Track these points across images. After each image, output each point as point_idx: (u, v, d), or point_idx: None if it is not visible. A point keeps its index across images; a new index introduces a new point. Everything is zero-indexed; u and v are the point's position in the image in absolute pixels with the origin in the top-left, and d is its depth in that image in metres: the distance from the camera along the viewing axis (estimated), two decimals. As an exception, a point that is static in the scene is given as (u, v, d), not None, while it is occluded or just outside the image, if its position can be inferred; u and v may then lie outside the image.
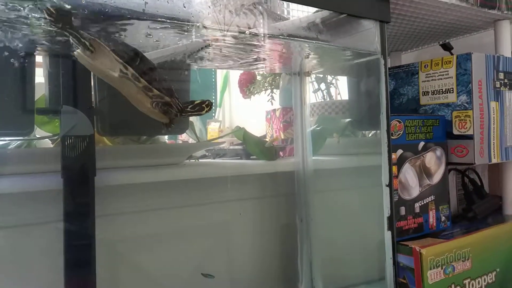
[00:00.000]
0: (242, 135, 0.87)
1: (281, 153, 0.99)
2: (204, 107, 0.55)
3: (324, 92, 1.19)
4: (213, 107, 1.45)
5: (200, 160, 0.91)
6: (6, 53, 0.58)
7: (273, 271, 0.84)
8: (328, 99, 1.18)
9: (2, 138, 0.69)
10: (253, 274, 0.82)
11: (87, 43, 0.47)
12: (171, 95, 0.52)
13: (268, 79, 1.19)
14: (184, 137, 1.02)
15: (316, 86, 1.18)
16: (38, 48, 0.61)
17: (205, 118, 1.25)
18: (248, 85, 1.21)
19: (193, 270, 0.75)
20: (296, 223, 0.86)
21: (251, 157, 0.93)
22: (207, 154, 1.02)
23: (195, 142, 0.93)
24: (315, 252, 0.84)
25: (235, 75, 1.36)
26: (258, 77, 1.21)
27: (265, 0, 0.58)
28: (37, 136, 0.73)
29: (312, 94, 1.15)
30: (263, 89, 1.21)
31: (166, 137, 0.91)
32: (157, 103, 0.51)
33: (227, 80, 1.52)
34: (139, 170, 0.71)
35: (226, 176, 0.80)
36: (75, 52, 0.49)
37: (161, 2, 0.45)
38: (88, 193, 0.59)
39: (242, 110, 1.46)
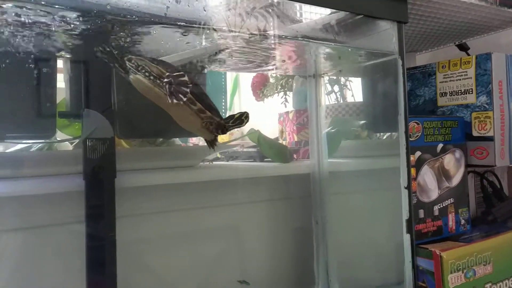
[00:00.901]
0: (257, 137, 0.88)
1: (294, 156, 0.99)
2: (243, 120, 0.57)
3: (338, 94, 1.19)
4: (224, 111, 1.46)
5: (213, 163, 0.92)
6: (30, 59, 0.59)
7: (289, 273, 0.84)
8: (341, 101, 1.17)
9: (26, 141, 0.70)
10: (268, 277, 0.82)
11: (148, 72, 0.52)
12: (218, 114, 0.56)
13: (281, 81, 1.19)
14: (194, 140, 1.03)
15: (330, 88, 1.18)
16: (60, 53, 0.62)
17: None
18: (261, 88, 1.21)
19: (209, 272, 0.75)
20: (312, 225, 0.85)
21: (265, 159, 0.93)
22: (220, 156, 1.03)
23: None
24: (331, 255, 0.84)
25: (245, 78, 1.37)
26: (271, 80, 1.21)
27: (278, 2, 0.58)
28: (58, 139, 0.74)
29: (326, 96, 1.15)
30: (276, 91, 1.21)
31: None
32: (207, 124, 0.55)
33: (237, 83, 1.52)
34: (156, 172, 0.72)
35: (242, 178, 0.80)
36: (131, 77, 0.53)
37: (182, 6, 0.45)
38: (109, 194, 0.60)
39: (252, 113, 1.46)
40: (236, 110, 1.51)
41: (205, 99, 0.55)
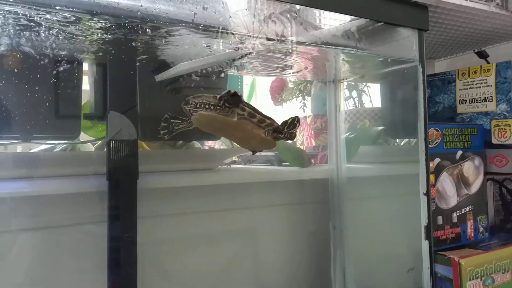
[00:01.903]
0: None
1: (312, 160, 0.99)
2: (296, 124, 0.60)
3: (356, 99, 1.19)
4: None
5: (231, 166, 0.93)
6: (56, 61, 0.61)
7: (306, 278, 0.84)
8: (359, 107, 1.17)
9: (51, 142, 0.72)
10: (285, 281, 0.82)
11: (207, 103, 0.58)
12: (273, 120, 0.59)
13: (299, 86, 1.20)
14: (210, 143, 1.03)
15: (348, 94, 1.18)
16: (85, 56, 0.64)
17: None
18: (280, 92, 1.22)
19: (225, 274, 0.75)
20: (330, 230, 0.86)
21: (283, 163, 0.94)
22: (237, 160, 1.03)
23: (226, 148, 0.95)
24: (348, 261, 0.84)
25: (262, 82, 1.38)
26: (290, 84, 1.21)
27: (299, 8, 0.59)
28: (81, 140, 0.75)
29: (344, 102, 1.15)
30: (294, 96, 1.22)
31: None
32: (268, 131, 0.59)
33: (253, 87, 1.53)
34: (177, 174, 0.73)
35: (261, 182, 0.81)
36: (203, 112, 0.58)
37: (209, 12, 0.46)
38: (132, 195, 0.61)
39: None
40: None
41: (257, 109, 0.58)
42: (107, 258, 0.58)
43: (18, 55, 0.57)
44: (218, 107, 0.57)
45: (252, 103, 1.52)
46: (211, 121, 0.59)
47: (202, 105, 0.58)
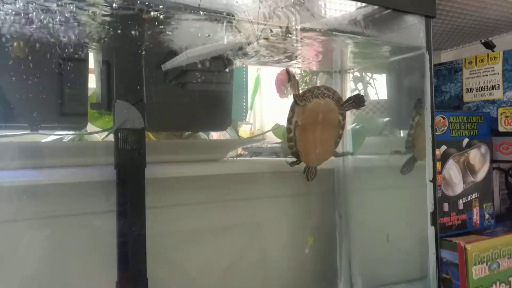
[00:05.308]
0: (282, 132, 0.88)
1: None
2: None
3: (361, 92, 1.19)
4: (244, 110, 1.47)
5: (237, 158, 0.93)
6: (62, 50, 0.61)
7: (312, 267, 0.85)
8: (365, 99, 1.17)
9: (58, 133, 0.72)
10: (292, 270, 0.82)
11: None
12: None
13: (305, 78, 1.20)
14: (215, 135, 1.03)
15: (354, 86, 1.18)
16: (92, 45, 0.65)
17: (237, 120, 1.26)
18: (285, 84, 1.21)
19: (231, 264, 0.76)
20: (336, 219, 0.86)
21: (289, 155, 0.94)
22: (243, 153, 1.04)
23: (233, 139, 0.95)
24: (354, 249, 0.84)
25: (266, 77, 1.37)
26: (296, 77, 1.21)
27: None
28: (88, 131, 0.76)
29: (351, 93, 1.15)
30: (300, 89, 1.22)
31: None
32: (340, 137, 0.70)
33: (258, 82, 1.53)
34: (183, 164, 0.73)
35: (266, 173, 0.81)
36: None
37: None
38: (140, 183, 0.61)
39: (273, 112, 1.46)
40: (257, 108, 1.52)
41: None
42: (117, 245, 0.59)
43: (23, 43, 0.57)
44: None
45: (257, 98, 1.53)
46: (322, 108, 0.66)
47: (320, 95, 0.66)
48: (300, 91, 0.67)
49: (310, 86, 0.67)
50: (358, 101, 0.67)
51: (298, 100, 0.66)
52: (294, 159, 0.71)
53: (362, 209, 0.85)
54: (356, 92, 1.17)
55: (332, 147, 0.70)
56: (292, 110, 0.67)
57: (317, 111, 0.67)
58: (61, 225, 0.62)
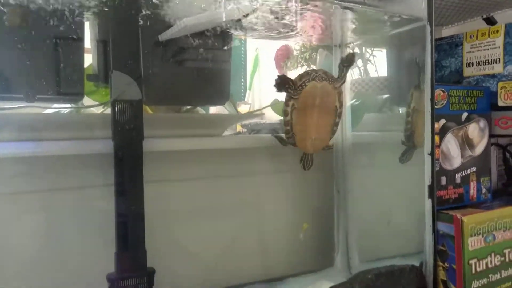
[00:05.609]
0: (281, 108, 0.88)
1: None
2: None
3: (361, 68, 1.18)
4: (243, 90, 1.45)
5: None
6: (57, 20, 0.60)
7: (310, 241, 0.85)
8: (365, 76, 1.16)
9: (55, 106, 0.72)
10: (290, 243, 0.83)
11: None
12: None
13: (305, 54, 1.19)
14: (214, 110, 1.02)
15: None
16: (87, 15, 0.63)
17: (235, 100, 1.25)
18: (284, 60, 1.21)
19: (230, 240, 0.76)
20: (334, 194, 0.86)
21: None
22: (242, 131, 1.03)
23: (231, 113, 0.94)
24: (351, 224, 0.85)
25: (265, 57, 1.36)
26: (295, 53, 1.20)
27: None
28: (85, 104, 0.75)
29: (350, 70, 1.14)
30: (300, 65, 1.21)
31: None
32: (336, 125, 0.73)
33: (257, 62, 1.51)
34: (181, 138, 0.73)
35: (265, 149, 0.81)
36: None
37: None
38: (137, 155, 0.61)
39: (272, 92, 1.45)
40: (256, 88, 1.51)
41: None
42: (115, 217, 0.59)
43: (17, 11, 0.56)
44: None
45: (256, 76, 1.51)
46: (319, 91, 0.67)
47: (317, 78, 0.67)
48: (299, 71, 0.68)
49: (307, 69, 0.66)
50: (347, 58, 0.68)
51: (293, 94, 0.69)
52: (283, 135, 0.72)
53: (360, 184, 0.85)
54: (356, 69, 1.17)
55: (329, 135, 0.72)
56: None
57: (314, 94, 0.67)
58: (59, 198, 0.62)
